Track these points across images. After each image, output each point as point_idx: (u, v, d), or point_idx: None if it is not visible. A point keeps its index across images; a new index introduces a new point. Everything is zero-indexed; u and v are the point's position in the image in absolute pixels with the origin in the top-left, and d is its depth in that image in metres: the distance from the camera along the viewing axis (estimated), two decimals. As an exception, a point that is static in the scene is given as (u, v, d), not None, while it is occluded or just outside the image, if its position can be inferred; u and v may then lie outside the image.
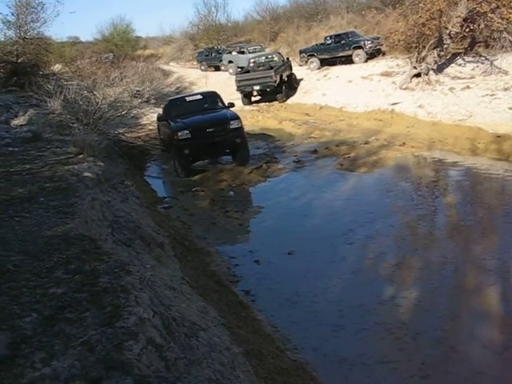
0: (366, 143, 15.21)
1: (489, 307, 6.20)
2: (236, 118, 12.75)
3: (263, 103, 23.82)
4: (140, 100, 15.93)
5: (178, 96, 16.86)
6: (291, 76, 25.49)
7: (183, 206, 10.15)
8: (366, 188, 11.48)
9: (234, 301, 5.93)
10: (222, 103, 14.23)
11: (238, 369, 3.77)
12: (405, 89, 20.62)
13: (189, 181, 12.16)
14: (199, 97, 14.53)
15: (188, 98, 14.34)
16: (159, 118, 15.17)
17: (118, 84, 15.24)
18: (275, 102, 23.71)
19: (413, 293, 6.63)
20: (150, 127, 18.94)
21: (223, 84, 29.93)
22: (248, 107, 23.07)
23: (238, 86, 23.58)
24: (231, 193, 11.22)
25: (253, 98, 24.21)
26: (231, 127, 12.37)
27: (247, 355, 4.23)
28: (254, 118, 20.52)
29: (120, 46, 44.22)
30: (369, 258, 7.77)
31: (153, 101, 22.03)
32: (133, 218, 6.48)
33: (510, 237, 8.43)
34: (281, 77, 23.52)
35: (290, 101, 24.10)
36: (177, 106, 13.84)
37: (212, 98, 14.53)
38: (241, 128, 12.66)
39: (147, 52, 53.26)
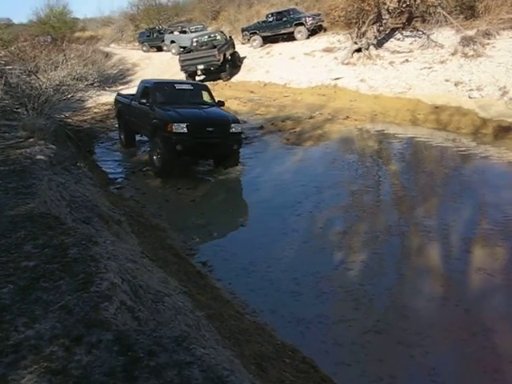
0: (311, 118, 15.60)
1: (430, 265, 6.67)
2: (237, 121, 11.36)
3: (208, 82, 23.85)
4: (86, 83, 15.53)
5: (165, 80, 15.09)
6: (234, 54, 25.58)
7: (135, 185, 10.26)
8: (313, 161, 11.86)
9: (192, 271, 6.16)
10: (213, 99, 12.65)
11: (203, 329, 4.01)
12: (346, 64, 21.10)
13: (138, 161, 12.20)
14: (190, 86, 13.02)
15: (177, 86, 12.63)
16: (129, 100, 13.33)
17: (61, 67, 14.92)
18: (220, 81, 23.78)
19: (362, 257, 7.02)
20: (95, 110, 18.76)
21: (166, 64, 29.73)
22: (192, 87, 23.08)
23: (181, 66, 23.52)
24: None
25: (197, 78, 24.20)
26: (231, 131, 10.96)
27: (209, 318, 4.48)
28: (199, 97, 20.63)
29: (57, 29, 42.91)
30: (318, 227, 8.12)
31: (96, 84, 21.75)
32: (89, 198, 6.58)
33: (449, 201, 8.96)
34: (224, 55, 23.59)
35: (234, 79, 24.22)
36: (163, 92, 12.15)
37: (203, 91, 12.94)
38: (241, 133, 11.40)
39: (86, 34, 51.92)
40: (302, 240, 7.64)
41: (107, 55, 34.36)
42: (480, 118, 13.86)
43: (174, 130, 10.38)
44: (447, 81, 16.69)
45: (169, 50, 33.56)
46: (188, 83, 13.70)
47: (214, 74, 23.82)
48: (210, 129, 10.73)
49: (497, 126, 13.13)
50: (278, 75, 22.34)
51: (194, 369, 2.36)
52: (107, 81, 25.06)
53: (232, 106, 18.51)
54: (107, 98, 20.38)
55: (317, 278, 6.47)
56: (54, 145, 8.66)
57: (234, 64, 25.03)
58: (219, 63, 23.04)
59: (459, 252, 6.93)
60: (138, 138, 13.50)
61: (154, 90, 12.06)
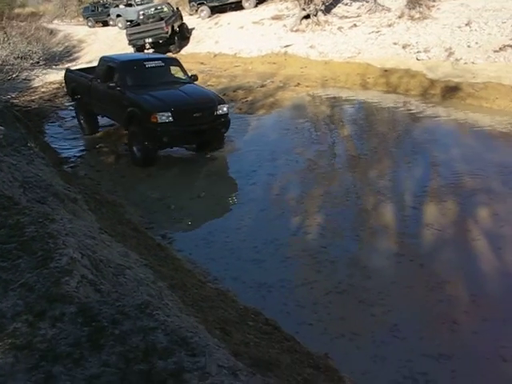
0: (263, 86, 15.60)
1: (385, 224, 6.88)
2: (223, 101, 10.19)
3: (157, 55, 23.53)
4: (31, 61, 15.03)
5: (131, 57, 12.72)
6: (182, 26, 25.22)
7: (89, 163, 10.13)
8: (266, 129, 11.92)
9: (152, 244, 6.19)
10: (186, 74, 11.26)
11: (166, 298, 4.07)
12: (296, 31, 21.08)
13: (91, 138, 12.00)
14: (160, 63, 11.13)
15: (147, 64, 10.80)
16: (87, 79, 11.74)
17: (3, 46, 14.40)
18: (169, 54, 23.44)
19: (319, 221, 7.17)
20: (43, 89, 18.30)
21: (114, 39, 29.09)
22: (142, 61, 22.70)
23: (129, 40, 23.09)
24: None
25: (146, 51, 23.80)
26: (218, 113, 9.82)
27: (172, 288, 4.55)
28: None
29: (-5, 5, 41.39)
30: (274, 194, 8.23)
31: (42, 62, 21.18)
32: (42, 178, 6.49)
33: (401, 161, 9.20)
34: (172, 27, 23.25)
35: (183, 51, 23.92)
36: (133, 72, 10.56)
37: (174, 66, 11.45)
38: (227, 114, 10.11)
39: (27, 10, 50.08)
40: (258, 208, 7.73)
41: (51, 32, 33.33)
42: (428, 79, 14.11)
43: (159, 121, 9.21)
44: (395, 44, 16.87)
45: (115, 25, 32.78)
46: (157, 58, 11.53)
47: (163, 46, 23.46)
48: (197, 114, 9.60)
49: (444, 87, 13.41)
50: (227, 45, 22.18)
51: (159, 333, 2.43)
52: (53, 59, 24.47)
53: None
54: (54, 76, 19.92)
55: (276, 244, 6.59)
56: (2, 126, 8.48)
57: (182, 36, 24.69)
58: (167, 36, 22.72)
59: (411, 210, 7.17)
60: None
61: (121, 70, 10.58)
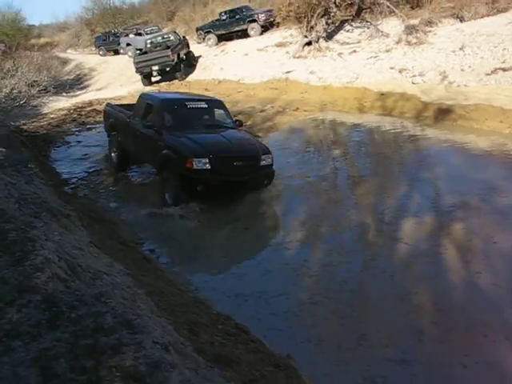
0: (262, 111, 16.10)
1: (365, 239, 7.22)
2: (268, 151, 9.19)
3: (164, 83, 24.18)
4: (38, 89, 15.62)
5: (173, 97, 11.47)
6: (189, 54, 25.94)
7: (89, 185, 10.58)
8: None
9: (139, 257, 6.56)
10: (231, 118, 10.41)
11: (140, 302, 4.43)
12: (298, 57, 21.66)
13: (95, 161, 12.48)
14: (204, 104, 10.19)
15: (189, 104, 9.95)
16: (126, 116, 10.99)
17: (12, 75, 15.03)
18: (175, 81, 24.12)
19: (304, 238, 7.51)
20: (52, 116, 18.92)
21: (123, 67, 29.91)
22: (149, 88, 23.36)
23: (136, 68, 23.76)
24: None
25: (153, 79, 24.48)
26: (262, 164, 8.91)
27: (149, 294, 4.91)
28: (155, 98, 20.95)
29: (11, 36, 42.63)
30: (259, 213, 8.60)
31: (52, 90, 21.91)
32: (39, 196, 6.93)
33: (404, 183, 9.50)
34: (178, 55, 23.94)
35: (189, 78, 24.57)
36: (173, 112, 9.77)
37: (218, 108, 10.54)
38: (271, 165, 9.13)
39: (42, 41, 51.52)
40: (243, 226, 8.09)
41: (64, 61, 34.33)
42: (422, 102, 14.54)
43: (195, 167, 8.31)
44: (392, 68, 17.35)
45: (125, 53, 33.71)
46: (201, 99, 10.59)
47: (169, 74, 24.14)
48: (238, 163, 8.67)
49: (437, 109, 13.81)
50: (231, 72, 22.80)
51: (108, 316, 2.80)
52: (64, 86, 25.22)
53: (186, 103, 18.94)
54: (63, 103, 20.62)
55: (258, 260, 6.93)
56: (7, 149, 8.97)
57: (188, 63, 25.39)
58: (173, 63, 23.37)
59: (386, 225, 7.52)
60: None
61: (161, 109, 9.76)
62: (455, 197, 8.25)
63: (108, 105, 12.87)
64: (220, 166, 8.47)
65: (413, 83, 16.05)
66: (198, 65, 25.99)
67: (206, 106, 10.27)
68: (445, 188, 8.77)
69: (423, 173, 9.67)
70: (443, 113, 13.57)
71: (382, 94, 15.98)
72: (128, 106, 12.14)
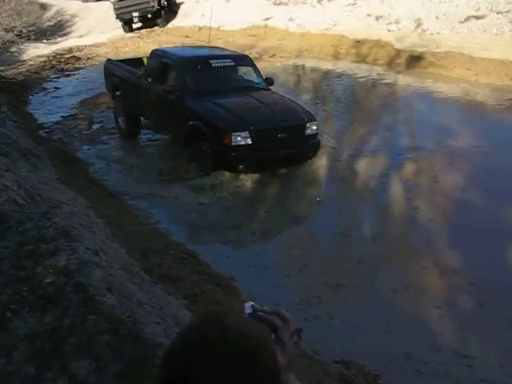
0: (240, 58, 16.26)
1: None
2: (314, 118, 7.84)
3: (144, 30, 24.04)
4: (14, 33, 15.52)
5: (193, 53, 9.87)
6: (170, 0, 25.70)
7: (64, 129, 10.84)
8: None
9: (104, 194, 6.99)
10: (261, 76, 8.83)
11: (96, 228, 4.88)
12: (278, 4, 21.62)
13: (71, 105, 12.65)
14: (230, 62, 8.64)
15: (214, 62, 8.39)
16: (135, 76, 9.43)
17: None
18: (156, 28, 24.01)
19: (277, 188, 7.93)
20: (31, 62, 18.92)
21: (105, 14, 29.51)
22: (129, 34, 23.20)
23: (116, 14, 23.53)
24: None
25: (134, 26, 24.32)
26: (308, 133, 7.60)
27: (108, 224, 5.34)
28: (135, 44, 20.83)
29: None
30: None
31: (33, 36, 21.80)
32: (10, 137, 7.28)
33: (367, 127, 9.89)
34: (159, 1, 23.72)
35: (170, 25, 24.44)
36: (196, 73, 8.28)
37: (246, 65, 9.00)
38: (317, 134, 7.84)
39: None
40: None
41: (44, 7, 33.76)
42: (395, 49, 14.80)
43: (234, 143, 7.07)
44: (369, 16, 17.49)
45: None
46: (225, 55, 9.04)
47: (150, 20, 23.98)
48: (283, 135, 7.35)
49: (409, 56, 14.12)
50: (212, 19, 22.69)
51: (50, 229, 3.24)
52: (44, 33, 25.04)
53: (166, 50, 19.00)
54: (43, 50, 20.54)
55: (217, 196, 7.23)
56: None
57: (170, 10, 25.18)
58: (154, 9, 23.20)
59: (338, 162, 7.98)
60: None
61: (181, 70, 8.34)
62: (412, 139, 8.70)
63: (109, 61, 10.98)
64: (263, 139, 7.20)
65: (388, 31, 16.27)
66: (179, 11, 25.78)
67: (233, 63, 8.71)
68: (404, 131, 9.18)
69: (387, 117, 10.11)
70: (415, 60, 13.89)
71: (358, 42, 16.17)
72: (131, 62, 10.59)
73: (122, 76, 9.81)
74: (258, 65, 15.14)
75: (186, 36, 20.86)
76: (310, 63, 15.42)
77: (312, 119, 7.71)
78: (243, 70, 8.99)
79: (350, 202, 6.79)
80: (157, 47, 11.04)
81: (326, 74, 14.18)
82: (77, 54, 19.25)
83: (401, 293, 5.06)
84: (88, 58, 18.20)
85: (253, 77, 8.82)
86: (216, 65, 8.37)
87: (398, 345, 4.32)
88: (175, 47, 11.82)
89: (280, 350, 1.01)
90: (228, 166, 7.35)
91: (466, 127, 9.05)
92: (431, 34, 15.04)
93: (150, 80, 8.80)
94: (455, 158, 7.82)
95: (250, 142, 7.09)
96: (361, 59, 15.13)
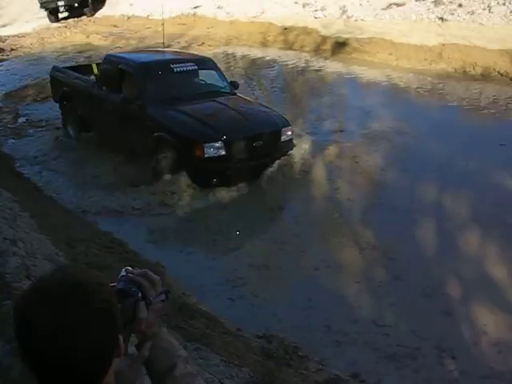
0: (168, 47, 16.15)
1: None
2: (288, 123, 7.34)
3: (71, 19, 23.47)
4: None
5: (148, 57, 9.16)
6: (98, -12, 25.19)
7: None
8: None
9: (30, 187, 6.93)
10: (226, 80, 8.23)
11: (20, 221, 4.89)
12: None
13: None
14: (192, 66, 8.00)
15: (175, 66, 7.76)
16: (86, 84, 8.68)
17: None
18: (84, 17, 23.47)
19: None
20: None
21: (30, 2, 28.62)
22: (56, 24, 22.57)
23: (40, 3, 22.77)
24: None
25: (60, 15, 23.67)
26: (283, 139, 7.18)
27: (33, 217, 5.34)
28: (61, 35, 20.33)
29: None
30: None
31: None
32: None
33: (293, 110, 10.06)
34: (86, -10, 23.24)
35: (99, 14, 23.92)
36: (157, 79, 7.64)
37: (209, 68, 8.33)
38: (292, 140, 7.43)
39: None
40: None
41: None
42: (321, 36, 15.10)
43: (206, 155, 6.53)
44: (296, 3, 17.70)
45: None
46: (186, 59, 8.42)
47: (77, 9, 23.42)
48: (258, 143, 6.87)
49: (334, 43, 14.46)
50: (140, 7, 22.41)
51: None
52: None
53: (94, 41, 18.70)
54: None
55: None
56: None
57: (97, -1, 24.70)
58: (80, -2, 22.73)
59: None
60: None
61: (141, 77, 7.63)
62: (336, 123, 9.00)
63: (55, 69, 9.91)
64: (236, 149, 6.67)
65: (315, 17, 16.56)
66: (107, 0, 25.30)
67: (195, 66, 8.03)
68: (329, 115, 9.48)
69: (313, 102, 10.39)
70: (340, 46, 14.25)
71: (285, 29, 16.39)
72: (78, 69, 9.75)
73: (72, 85, 8.91)
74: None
75: (115, 26, 20.59)
76: (239, 51, 15.55)
77: (286, 124, 7.25)
78: (206, 74, 8.27)
79: (272, 186, 6.95)
80: (110, 52, 10.44)
81: (256, 62, 14.35)
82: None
83: (322, 270, 5.30)
84: (12, 50, 17.67)
85: (217, 81, 8.18)
86: (178, 69, 7.73)
87: (318, 319, 4.55)
88: (130, 52, 11.06)
89: (146, 306, 1.16)
90: (200, 180, 6.68)
91: (388, 110, 9.44)
92: (356, 20, 15.43)
93: (104, 89, 8.03)
94: (376, 140, 8.16)
95: (224, 153, 6.56)
96: (288, 46, 15.38)
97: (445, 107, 9.87)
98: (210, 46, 15.97)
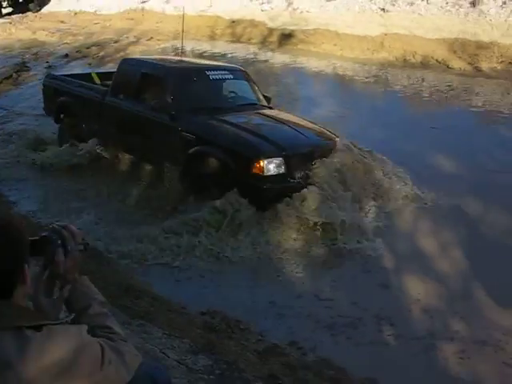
0: (116, 42, 16.18)
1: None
2: (337, 137, 6.35)
3: (16, 15, 23.05)
4: None
5: (180, 62, 7.80)
6: (43, -17, 24.78)
7: None
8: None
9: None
10: (260, 92, 7.26)
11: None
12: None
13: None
14: (228, 74, 7.11)
15: (211, 74, 6.78)
16: (95, 92, 7.43)
17: None
18: (29, 13, 23.09)
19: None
20: None
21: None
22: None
23: (-18, -3, 22.38)
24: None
25: (3, 11, 23.24)
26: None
27: None
28: (6, 31, 19.85)
29: None
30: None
31: None
32: None
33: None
34: (30, -16, 22.86)
35: (45, 10, 23.57)
36: (192, 85, 6.68)
37: (243, 79, 7.27)
38: None
39: None
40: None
41: None
42: (268, 28, 15.40)
43: (266, 172, 5.54)
44: (244, -4, 17.94)
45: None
46: (220, 67, 7.47)
47: (22, 5, 23.08)
48: (316, 159, 5.87)
49: (281, 35, 14.77)
50: (88, 3, 22.22)
51: None
52: None
53: (40, 37, 18.44)
54: None
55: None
56: None
57: (43, -6, 24.33)
58: (26, -7, 22.33)
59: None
60: None
61: (175, 83, 6.57)
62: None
63: (52, 77, 8.65)
64: (296, 165, 5.76)
65: (261, 10, 16.85)
66: (54, -4, 24.96)
67: (231, 75, 7.13)
68: (273, 103, 9.67)
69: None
70: (286, 38, 14.57)
71: (233, 22, 16.62)
72: (76, 77, 8.32)
73: (76, 93, 7.67)
74: (135, 49, 15.37)
75: (62, 21, 20.38)
76: (188, 45, 15.61)
77: (336, 138, 6.31)
78: (241, 85, 7.29)
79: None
80: (128, 57, 9.39)
81: (205, 56, 14.47)
82: None
83: (263, 248, 5.42)
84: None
85: (253, 93, 7.18)
86: (214, 77, 6.79)
87: (262, 296, 4.72)
88: (154, 58, 8.95)
89: (65, 253, 1.38)
90: (259, 202, 5.57)
91: (331, 98, 9.76)
92: (301, 12, 15.77)
93: (121, 97, 6.93)
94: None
95: (283, 171, 5.59)
96: (236, 39, 15.61)
97: (386, 94, 10.25)
98: (158, 40, 16.04)
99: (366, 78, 11.35)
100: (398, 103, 9.66)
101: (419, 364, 3.70)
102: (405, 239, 5.47)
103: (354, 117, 8.51)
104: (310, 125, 6.55)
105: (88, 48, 15.58)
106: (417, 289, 4.68)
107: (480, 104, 9.85)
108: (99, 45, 15.89)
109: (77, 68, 13.48)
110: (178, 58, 8.65)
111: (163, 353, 3.18)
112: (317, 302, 4.63)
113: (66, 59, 14.70)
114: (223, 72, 7.03)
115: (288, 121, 6.42)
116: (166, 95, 6.40)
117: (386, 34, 13.04)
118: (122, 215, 5.97)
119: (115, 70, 7.47)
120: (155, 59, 8.13)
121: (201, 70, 7.05)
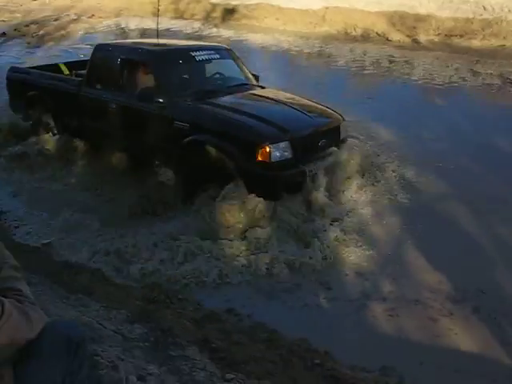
0: (56, 20, 15.80)
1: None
2: (343, 118, 5.87)
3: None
4: None
5: (161, 45, 6.82)
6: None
7: None
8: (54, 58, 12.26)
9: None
10: (248, 70, 6.61)
11: None
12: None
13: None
14: (214, 54, 6.38)
15: (197, 55, 6.06)
16: (67, 84, 6.69)
17: None
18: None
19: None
20: None
21: None
22: None
23: None
24: None
25: None
26: (343, 137, 5.83)
27: None
28: None
29: None
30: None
31: None
32: None
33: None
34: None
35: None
36: (179, 68, 6.19)
37: (229, 58, 6.63)
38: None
39: None
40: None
41: None
42: (211, 3, 15.35)
43: (273, 159, 4.97)
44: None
45: None
46: (207, 47, 6.68)
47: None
48: (323, 141, 5.41)
49: (224, 10, 14.74)
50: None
51: None
52: None
53: (-26, 15, 17.86)
54: None
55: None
56: None
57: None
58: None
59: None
60: None
61: (161, 68, 5.88)
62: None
63: (15, 70, 7.84)
64: (304, 150, 5.24)
65: (204, -15, 16.67)
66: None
67: (217, 55, 6.48)
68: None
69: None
70: (229, 13, 14.56)
71: (176, -3, 16.46)
72: (46, 67, 7.71)
73: (46, 86, 6.95)
74: (76, 27, 15.05)
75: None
76: (132, 22, 15.42)
77: (342, 118, 5.84)
78: (228, 64, 6.62)
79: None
80: (102, 42, 8.25)
81: (149, 33, 14.29)
82: None
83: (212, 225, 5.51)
84: None
85: (241, 72, 6.56)
86: (199, 58, 6.14)
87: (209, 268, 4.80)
88: (130, 41, 8.75)
89: None
90: (268, 192, 5.03)
91: (276, 72, 9.84)
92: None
93: (98, 87, 6.28)
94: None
95: (290, 156, 5.08)
96: (179, 15, 15.50)
97: (329, 68, 10.40)
98: (100, 17, 15.80)
99: (309, 51, 11.46)
100: (340, 77, 9.83)
101: (350, 323, 3.87)
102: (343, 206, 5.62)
103: (297, 90, 8.63)
104: (311, 103, 6.06)
105: (27, 26, 15.16)
106: (352, 256, 4.87)
107: (418, 77, 10.11)
108: (38, 23, 15.49)
109: (16, 47, 13.15)
110: (155, 40, 7.59)
111: (100, 324, 3.23)
112: (258, 270, 4.76)
113: (3, 38, 14.27)
114: (209, 52, 6.36)
115: (286, 100, 5.89)
116: (151, 82, 5.76)
117: (327, 8, 13.16)
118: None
119: (86, 58, 6.86)
120: (133, 43, 7.56)
121: (185, 51, 6.34)
